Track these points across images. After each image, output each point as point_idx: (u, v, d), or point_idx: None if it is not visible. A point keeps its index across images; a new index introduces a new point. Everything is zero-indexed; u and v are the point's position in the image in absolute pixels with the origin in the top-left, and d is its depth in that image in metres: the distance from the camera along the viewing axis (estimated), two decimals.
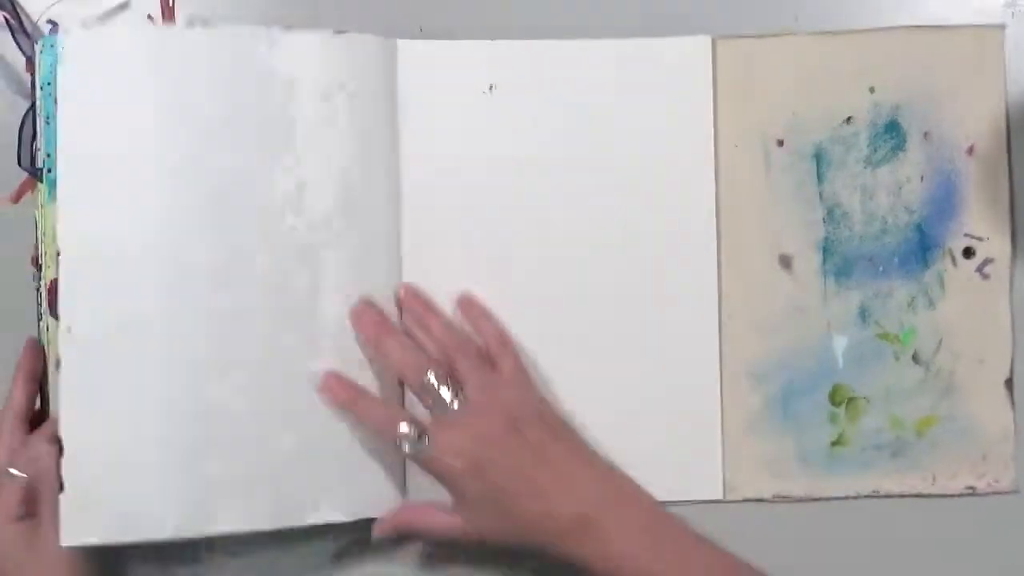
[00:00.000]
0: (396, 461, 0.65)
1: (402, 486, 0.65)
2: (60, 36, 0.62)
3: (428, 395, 0.61)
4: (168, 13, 0.65)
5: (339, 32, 0.64)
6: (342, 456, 0.63)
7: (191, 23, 0.65)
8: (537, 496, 0.59)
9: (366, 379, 0.64)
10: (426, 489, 0.63)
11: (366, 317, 0.63)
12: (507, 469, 0.60)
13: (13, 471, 0.61)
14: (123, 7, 0.66)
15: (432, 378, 0.61)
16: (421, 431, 0.60)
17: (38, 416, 0.64)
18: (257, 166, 0.62)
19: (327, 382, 0.62)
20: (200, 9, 0.66)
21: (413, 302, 0.65)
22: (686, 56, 0.67)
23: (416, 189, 0.65)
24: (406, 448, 0.61)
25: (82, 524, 0.59)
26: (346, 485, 0.63)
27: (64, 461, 0.59)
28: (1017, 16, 0.67)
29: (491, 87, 0.66)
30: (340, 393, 0.62)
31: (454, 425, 0.61)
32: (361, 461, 0.64)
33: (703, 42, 0.67)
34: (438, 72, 0.66)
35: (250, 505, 0.62)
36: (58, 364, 0.61)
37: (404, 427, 0.60)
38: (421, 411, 0.62)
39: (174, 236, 0.61)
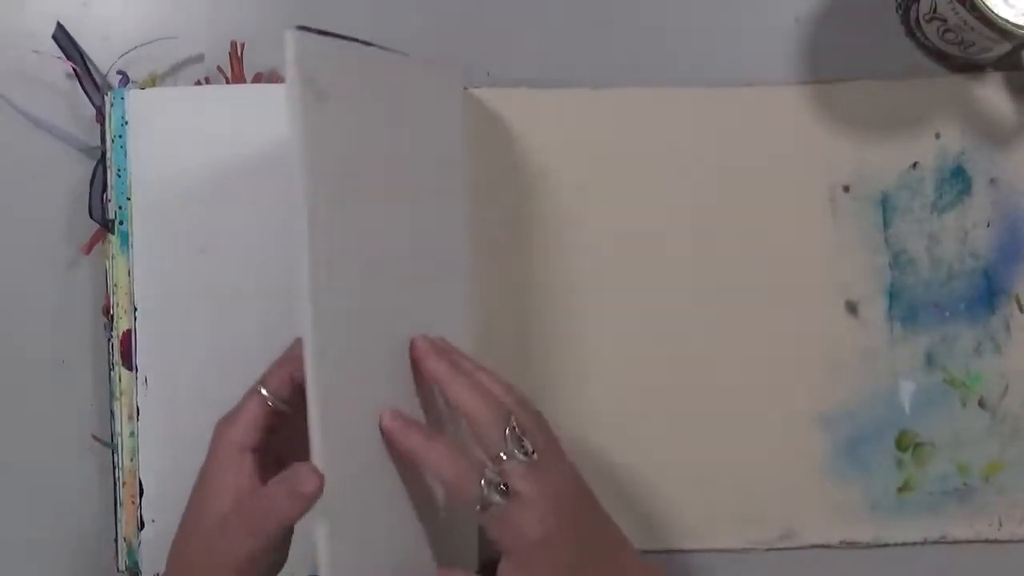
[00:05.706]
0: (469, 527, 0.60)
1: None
2: (127, 92, 0.63)
3: (499, 447, 0.52)
4: (236, 67, 0.65)
5: None
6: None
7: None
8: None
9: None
10: None
11: (432, 354, 0.55)
12: (581, 542, 0.52)
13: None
14: (196, 60, 0.67)
15: (515, 427, 0.52)
16: (501, 487, 0.51)
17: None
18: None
19: (390, 424, 0.52)
20: (268, 61, 0.66)
21: (452, 350, 0.56)
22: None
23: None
24: (485, 505, 0.51)
25: None
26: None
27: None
28: None
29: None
30: (408, 438, 0.52)
31: (537, 482, 0.51)
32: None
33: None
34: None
35: None
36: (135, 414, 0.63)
37: (485, 480, 0.51)
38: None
39: (249, 284, 0.63)
